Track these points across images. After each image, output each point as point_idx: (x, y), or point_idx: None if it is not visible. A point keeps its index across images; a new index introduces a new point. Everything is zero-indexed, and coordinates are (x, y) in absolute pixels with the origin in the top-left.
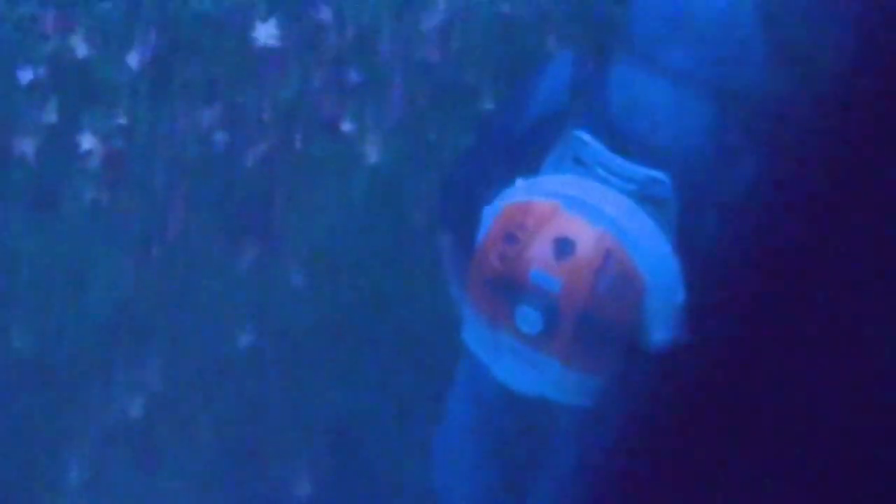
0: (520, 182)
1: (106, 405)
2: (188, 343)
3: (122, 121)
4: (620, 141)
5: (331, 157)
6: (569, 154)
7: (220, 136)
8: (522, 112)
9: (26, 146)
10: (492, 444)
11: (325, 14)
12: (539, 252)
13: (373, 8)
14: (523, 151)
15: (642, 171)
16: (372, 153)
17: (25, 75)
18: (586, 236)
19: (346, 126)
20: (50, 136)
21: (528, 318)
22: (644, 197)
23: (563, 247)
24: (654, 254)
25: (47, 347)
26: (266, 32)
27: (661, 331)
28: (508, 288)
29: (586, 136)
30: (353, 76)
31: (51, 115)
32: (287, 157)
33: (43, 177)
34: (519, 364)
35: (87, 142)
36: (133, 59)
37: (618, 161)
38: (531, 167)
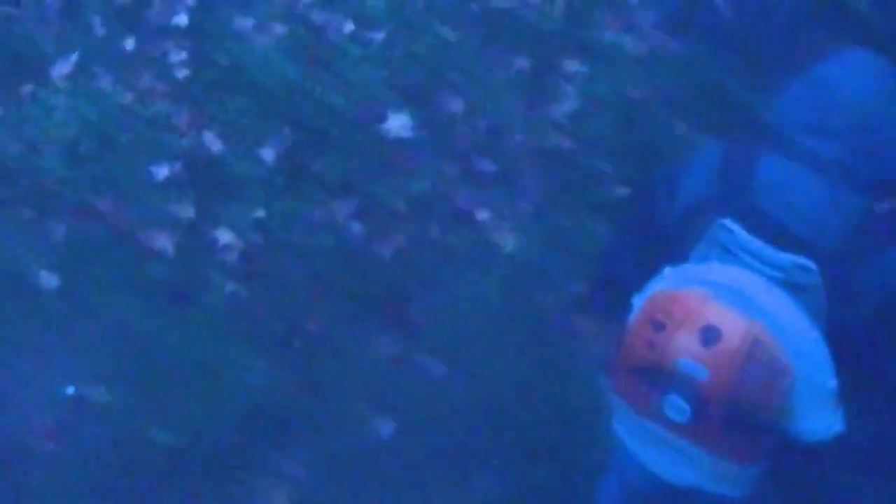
0: (668, 270)
1: (249, 497)
2: (330, 434)
3: (259, 214)
4: (767, 229)
5: (466, 246)
6: (715, 242)
7: (355, 228)
8: (673, 202)
9: (165, 241)
10: None
11: (457, 105)
12: (686, 340)
13: (503, 98)
14: (673, 240)
15: (789, 259)
16: (507, 242)
17: (161, 172)
18: (733, 325)
19: (481, 215)
20: (188, 231)
21: (676, 406)
22: (791, 284)
23: (710, 335)
24: (802, 341)
25: (188, 439)
26: (398, 124)
27: (812, 419)
28: (656, 376)
29: (733, 225)
30: (486, 166)
31: (188, 211)
32: (423, 247)
33: (181, 271)
34: (669, 453)
35: (225, 236)
36: (267, 154)
37: (765, 249)
38: (679, 255)
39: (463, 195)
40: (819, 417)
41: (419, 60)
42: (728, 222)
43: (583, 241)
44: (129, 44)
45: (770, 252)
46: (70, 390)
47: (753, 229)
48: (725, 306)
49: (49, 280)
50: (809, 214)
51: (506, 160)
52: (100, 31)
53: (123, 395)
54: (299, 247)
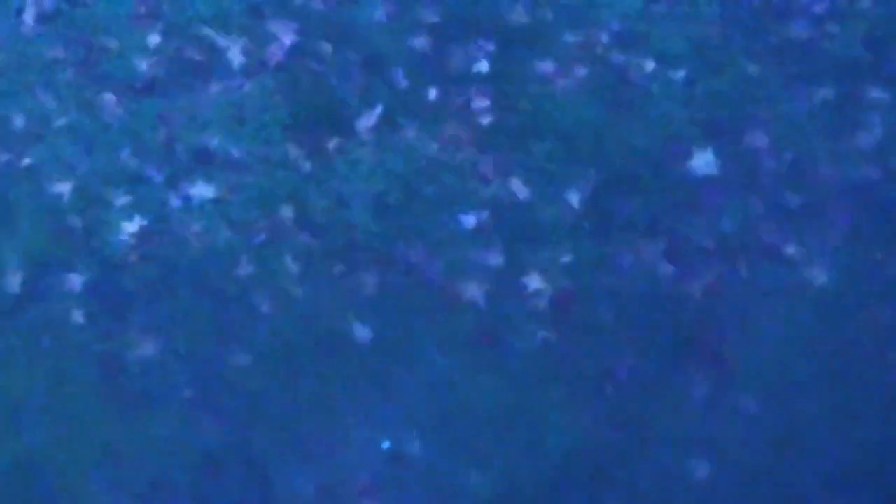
0: None
1: None
2: (645, 476)
3: (567, 259)
4: None
5: (776, 282)
6: None
7: (664, 268)
8: None
9: (475, 290)
10: None
11: (761, 140)
12: None
13: (808, 130)
14: None
15: None
16: (818, 276)
17: (469, 220)
18: None
19: (789, 250)
20: (497, 278)
21: None
22: None
23: None
24: None
25: (505, 487)
26: (703, 161)
27: None
28: None
29: None
30: (792, 200)
31: (497, 258)
32: (733, 285)
33: (492, 319)
34: None
35: (534, 282)
36: (573, 198)
37: None
38: None
39: (770, 230)
40: None
41: (721, 96)
42: None
43: (894, 272)
44: (432, 94)
45: None
46: (385, 445)
47: None
48: None
49: (362, 332)
50: None
51: (812, 193)
52: (402, 82)
53: (438, 446)
54: (609, 289)
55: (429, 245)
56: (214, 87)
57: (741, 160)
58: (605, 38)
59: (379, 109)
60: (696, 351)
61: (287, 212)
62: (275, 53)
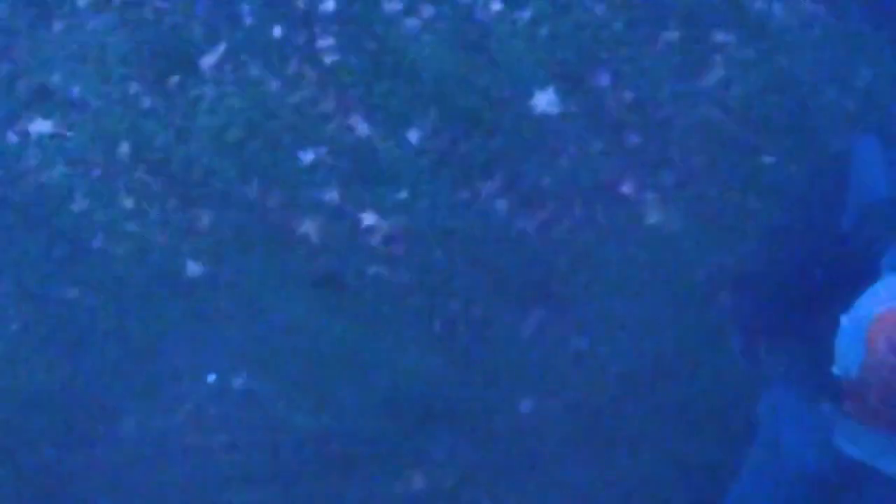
0: (881, 286)
1: (390, 480)
2: (472, 415)
3: (403, 196)
4: None
5: (613, 222)
6: None
7: (500, 206)
8: (842, 212)
9: (309, 226)
10: None
11: (604, 80)
12: None
13: (651, 71)
14: (852, 248)
15: None
16: (652, 214)
17: (307, 157)
18: None
19: (627, 189)
20: (332, 215)
21: None
22: None
23: None
24: None
25: (332, 424)
26: (545, 101)
27: None
28: None
29: None
30: (633, 139)
31: (332, 195)
32: (569, 224)
33: (326, 255)
34: None
35: (369, 218)
36: (413, 136)
37: None
38: (865, 264)
39: (608, 169)
40: None
41: (566, 37)
42: None
43: (731, 212)
44: (277, 31)
45: None
46: (211, 378)
47: None
48: None
49: (194, 269)
50: None
51: (653, 133)
52: (247, 19)
53: (266, 382)
54: (443, 228)
55: (265, 181)
56: (58, 25)
57: (583, 100)
58: None
59: (223, 47)
60: (528, 289)
61: (125, 148)
62: None
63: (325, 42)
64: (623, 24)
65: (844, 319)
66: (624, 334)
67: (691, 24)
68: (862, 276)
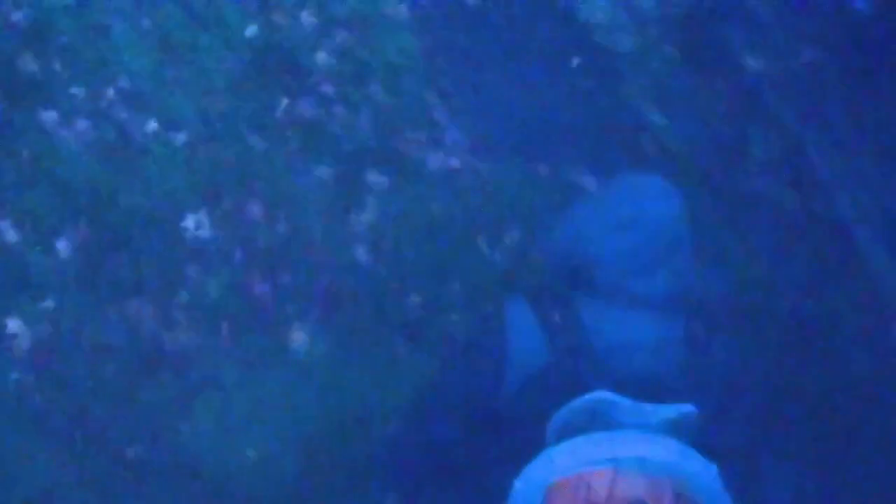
0: (555, 453)
1: None
2: None
3: (49, 305)
4: (630, 385)
5: (263, 352)
6: (593, 415)
7: (149, 326)
8: (500, 378)
9: None
10: None
11: (258, 210)
12: None
13: (304, 207)
14: (511, 416)
15: (674, 410)
16: (301, 344)
17: None
18: (655, 491)
19: (278, 316)
20: None
21: None
22: (672, 427)
23: None
24: (706, 478)
25: None
26: (195, 223)
27: None
28: None
29: (613, 396)
30: (284, 276)
31: None
32: (216, 346)
33: None
34: None
35: (14, 325)
36: (63, 246)
37: (646, 407)
38: (519, 432)
39: (261, 296)
40: None
41: (222, 164)
42: (608, 395)
43: (380, 352)
44: None
45: (651, 409)
46: None
47: (619, 390)
48: (639, 475)
49: None
50: (654, 357)
51: (304, 269)
52: None
53: None
54: (91, 341)
55: None
56: None
57: (236, 227)
58: (111, 93)
59: None
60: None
61: None
62: None
63: None
64: (281, 158)
65: (518, 484)
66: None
67: (347, 162)
68: (528, 444)
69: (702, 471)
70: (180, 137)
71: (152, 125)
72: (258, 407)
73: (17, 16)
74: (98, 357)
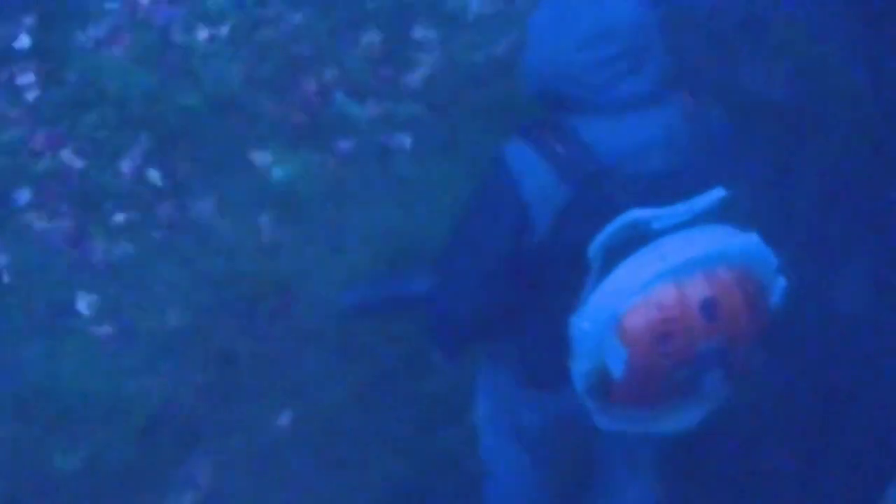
0: (612, 285)
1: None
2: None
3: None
4: (656, 187)
5: None
6: (628, 237)
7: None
8: (526, 223)
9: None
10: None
11: (311, 85)
12: (695, 330)
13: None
14: (550, 258)
15: (707, 200)
16: None
17: (23, 195)
18: (717, 283)
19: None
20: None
21: (712, 381)
22: (714, 212)
23: (709, 309)
24: (752, 251)
25: (88, 461)
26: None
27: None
28: (684, 374)
29: (642, 212)
30: (344, 145)
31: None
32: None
33: None
34: (695, 412)
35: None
36: (125, 164)
37: (680, 207)
38: (558, 272)
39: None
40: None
41: (272, 48)
42: (639, 212)
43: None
44: None
45: (683, 207)
46: None
47: (644, 197)
48: (695, 278)
49: None
50: (666, 151)
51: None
52: None
53: (21, 429)
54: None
55: None
56: None
57: (293, 107)
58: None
59: None
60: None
61: None
62: None
63: (25, 79)
64: (324, 30)
65: (585, 324)
66: None
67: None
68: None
69: (746, 242)
70: (223, 30)
71: (195, 23)
72: None
73: None
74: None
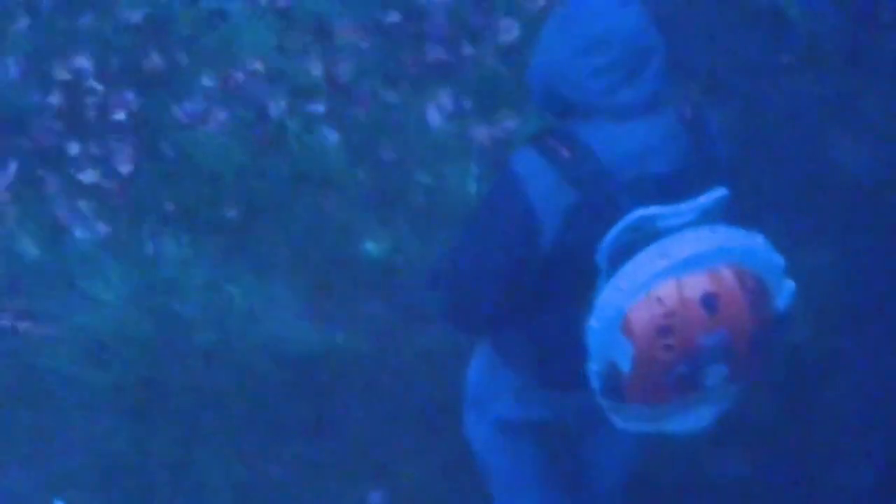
0: (618, 283)
1: None
2: None
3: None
4: (655, 190)
5: None
6: (636, 236)
7: None
8: (535, 229)
9: None
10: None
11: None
12: (697, 325)
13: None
14: (560, 258)
15: (706, 198)
16: None
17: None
18: (717, 279)
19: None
20: None
21: (714, 374)
22: (717, 211)
23: (710, 303)
24: (755, 250)
25: None
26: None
27: (781, 299)
28: (687, 367)
29: (648, 210)
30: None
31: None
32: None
33: None
34: (704, 411)
35: None
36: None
37: (683, 206)
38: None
39: None
40: (783, 295)
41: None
42: (644, 211)
43: None
44: (73, 148)
45: (686, 206)
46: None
47: (651, 199)
48: (697, 274)
49: None
50: (667, 155)
51: None
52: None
53: None
54: None
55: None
56: None
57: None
58: (241, 76)
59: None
60: None
61: None
62: None
63: (121, 152)
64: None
65: (593, 323)
66: None
67: None
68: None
69: (749, 241)
70: (318, 108)
71: (286, 100)
72: None
73: (135, 16)
74: None
